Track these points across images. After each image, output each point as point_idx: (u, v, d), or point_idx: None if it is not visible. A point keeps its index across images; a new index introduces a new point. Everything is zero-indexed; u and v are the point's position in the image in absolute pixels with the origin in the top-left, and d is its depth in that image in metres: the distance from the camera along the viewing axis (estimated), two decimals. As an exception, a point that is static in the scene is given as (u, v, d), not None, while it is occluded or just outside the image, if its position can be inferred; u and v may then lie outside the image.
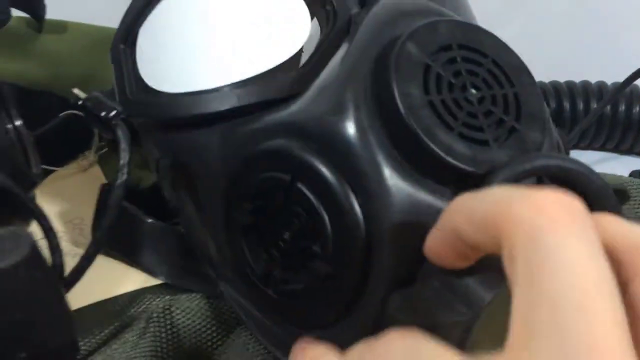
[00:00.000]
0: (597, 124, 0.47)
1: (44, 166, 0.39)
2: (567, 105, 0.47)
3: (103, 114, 0.28)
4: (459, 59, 0.25)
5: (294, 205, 0.25)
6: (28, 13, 0.48)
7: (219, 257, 0.29)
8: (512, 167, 0.23)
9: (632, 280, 0.17)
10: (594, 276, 0.15)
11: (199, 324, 0.31)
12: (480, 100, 0.25)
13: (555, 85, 0.48)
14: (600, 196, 0.23)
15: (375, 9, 0.27)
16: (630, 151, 0.49)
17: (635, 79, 0.44)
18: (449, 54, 0.25)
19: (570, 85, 0.48)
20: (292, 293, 0.26)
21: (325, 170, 0.24)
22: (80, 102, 0.30)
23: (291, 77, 0.26)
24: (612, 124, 0.47)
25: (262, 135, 0.26)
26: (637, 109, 0.47)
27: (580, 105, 0.47)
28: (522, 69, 0.26)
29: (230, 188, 0.27)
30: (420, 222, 0.23)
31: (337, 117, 0.24)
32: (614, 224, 0.17)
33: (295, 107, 0.26)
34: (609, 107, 0.47)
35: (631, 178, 0.42)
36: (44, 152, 0.39)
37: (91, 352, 0.29)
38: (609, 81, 0.48)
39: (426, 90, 0.24)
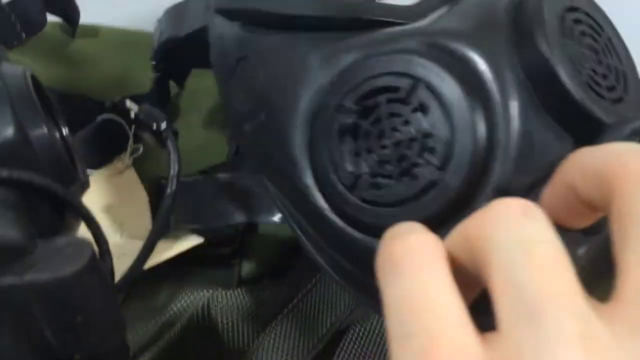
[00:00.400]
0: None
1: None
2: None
3: (155, 126, 0.29)
4: (583, 22, 0.26)
5: (412, 110, 0.25)
6: (62, 18, 0.49)
7: (291, 168, 0.28)
8: (634, 122, 0.23)
9: None
10: None
11: (235, 321, 0.32)
12: (599, 62, 0.26)
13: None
14: None
15: None
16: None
17: None
18: (575, 14, 0.26)
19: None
20: (382, 198, 0.25)
21: (453, 80, 0.25)
22: (133, 114, 0.31)
23: (410, 7, 0.27)
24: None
25: (384, 39, 0.27)
26: None
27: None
28: (629, 56, 0.28)
29: (331, 89, 0.27)
30: (535, 158, 0.24)
31: (475, 36, 0.25)
32: None
33: (420, 24, 0.27)
34: None
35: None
36: (84, 155, 0.41)
37: (139, 351, 0.30)
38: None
39: (563, 34, 0.25)
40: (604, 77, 0.26)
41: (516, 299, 0.15)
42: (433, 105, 0.24)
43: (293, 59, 0.28)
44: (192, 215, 0.33)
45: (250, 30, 0.30)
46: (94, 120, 0.42)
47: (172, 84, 0.47)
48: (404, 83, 0.25)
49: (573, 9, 0.26)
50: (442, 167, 0.24)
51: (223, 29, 0.32)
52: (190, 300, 0.32)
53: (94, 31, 0.51)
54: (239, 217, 0.32)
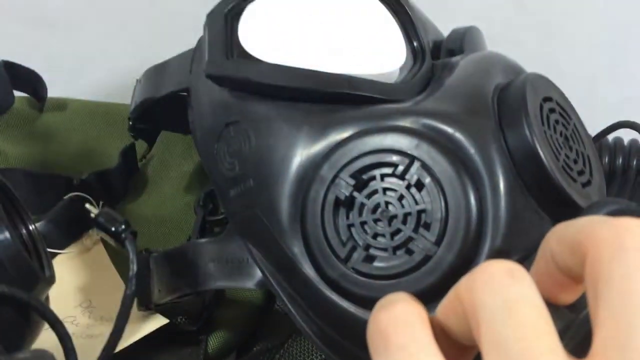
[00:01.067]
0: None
1: (51, 250, 0.41)
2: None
3: (113, 228, 0.30)
4: (557, 111, 0.29)
5: (407, 187, 0.26)
6: (30, 95, 0.50)
7: (280, 236, 0.28)
8: (608, 205, 0.24)
9: None
10: None
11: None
12: (570, 148, 0.28)
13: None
14: None
15: (475, 56, 0.31)
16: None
17: (608, 133, 0.47)
18: (550, 104, 0.28)
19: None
20: (377, 271, 0.26)
21: (446, 160, 0.26)
22: (93, 216, 0.32)
23: (397, 85, 0.29)
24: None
25: (378, 115, 0.28)
26: (606, 160, 0.49)
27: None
28: (590, 139, 0.30)
29: (324, 162, 0.27)
30: (521, 235, 0.26)
31: (464, 120, 0.27)
32: None
33: (410, 104, 0.28)
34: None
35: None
36: (51, 235, 0.42)
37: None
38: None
39: (542, 122, 0.27)
40: (575, 162, 0.28)
41: (501, 357, 0.16)
42: (427, 182, 0.26)
43: (285, 128, 0.29)
44: (174, 285, 0.34)
45: (241, 96, 0.31)
46: (63, 198, 0.43)
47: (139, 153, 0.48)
48: (400, 160, 0.26)
49: (548, 99, 0.29)
50: (437, 243, 0.26)
51: (211, 94, 0.33)
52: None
53: (62, 104, 0.52)
54: (220, 282, 0.32)
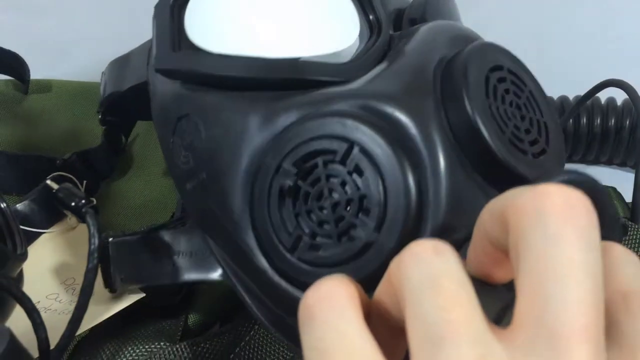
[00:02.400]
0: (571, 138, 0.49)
1: (34, 229, 0.42)
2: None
3: (73, 203, 0.31)
4: (507, 80, 0.28)
5: (348, 173, 0.26)
6: (13, 77, 0.51)
7: (233, 228, 0.28)
8: (556, 177, 0.24)
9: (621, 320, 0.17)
10: (585, 272, 0.16)
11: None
12: (522, 118, 0.27)
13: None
14: (611, 225, 0.24)
15: (425, 27, 0.30)
16: (596, 162, 0.51)
17: (596, 92, 0.46)
18: (499, 73, 0.28)
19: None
20: (322, 260, 0.26)
21: (385, 142, 0.25)
22: (54, 192, 0.32)
23: (345, 65, 0.28)
24: (575, 136, 0.49)
25: (320, 100, 0.27)
26: (598, 121, 0.49)
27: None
28: (550, 106, 0.29)
29: (270, 150, 0.27)
30: (465, 214, 0.25)
31: (405, 99, 0.26)
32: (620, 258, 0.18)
33: (355, 85, 0.28)
34: (571, 121, 0.49)
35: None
36: (34, 215, 0.42)
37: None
38: (575, 93, 0.50)
39: (487, 95, 0.26)
40: (527, 132, 0.27)
41: (422, 329, 0.16)
42: (367, 167, 0.25)
43: (233, 118, 0.29)
44: (137, 274, 0.34)
45: (191, 88, 0.31)
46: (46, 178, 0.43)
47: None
48: (339, 146, 0.26)
49: (497, 68, 0.28)
50: (377, 228, 0.25)
51: (164, 87, 0.32)
52: (130, 358, 0.33)
53: (46, 86, 0.52)
54: (182, 276, 0.32)
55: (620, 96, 0.48)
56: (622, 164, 0.51)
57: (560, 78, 0.54)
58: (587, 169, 0.51)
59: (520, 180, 0.25)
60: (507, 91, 0.27)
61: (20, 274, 0.31)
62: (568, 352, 0.15)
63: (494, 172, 0.26)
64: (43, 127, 0.50)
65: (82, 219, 0.30)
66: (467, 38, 0.30)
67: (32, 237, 0.41)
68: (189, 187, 0.30)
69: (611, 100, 0.50)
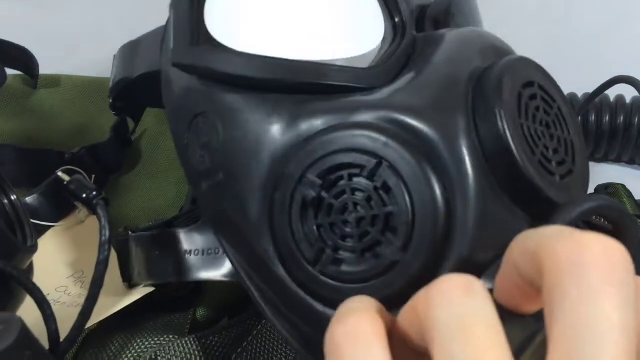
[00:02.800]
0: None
1: (43, 223, 0.42)
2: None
3: (85, 195, 0.31)
4: (538, 97, 0.27)
5: (374, 188, 0.25)
6: (22, 72, 0.51)
7: (250, 233, 0.28)
8: (583, 203, 0.24)
9: None
10: (621, 331, 0.15)
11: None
12: (551, 137, 0.27)
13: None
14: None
15: (453, 35, 0.29)
16: (604, 159, 0.51)
17: (605, 89, 0.46)
18: (531, 90, 0.27)
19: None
20: (345, 275, 0.25)
21: (414, 160, 0.25)
22: (65, 183, 0.32)
23: (369, 70, 0.28)
24: (584, 134, 0.49)
25: (346, 109, 0.27)
26: (607, 118, 0.49)
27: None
28: (575, 120, 0.28)
29: (293, 158, 0.26)
30: (492, 236, 0.25)
31: (434, 114, 0.25)
32: None
33: (381, 95, 0.27)
34: (580, 118, 0.49)
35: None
36: (43, 209, 0.42)
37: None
38: (584, 91, 0.50)
39: (519, 113, 0.26)
40: (555, 151, 0.26)
41: None
42: (395, 184, 0.25)
43: (253, 120, 0.28)
44: (151, 270, 0.34)
45: (209, 85, 0.30)
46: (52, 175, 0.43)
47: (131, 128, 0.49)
48: (368, 161, 0.25)
49: (529, 84, 0.27)
50: (403, 248, 0.25)
51: (180, 81, 0.31)
52: (139, 351, 0.33)
53: (55, 81, 0.52)
54: (194, 274, 0.32)
55: (629, 94, 0.48)
56: (630, 162, 0.51)
57: (570, 75, 0.54)
58: (596, 167, 0.51)
59: (547, 202, 0.25)
60: (537, 109, 0.27)
61: (31, 266, 0.31)
62: None
63: (522, 193, 0.25)
64: (52, 122, 0.50)
65: (93, 210, 0.30)
66: (497, 50, 0.29)
67: (41, 231, 0.41)
68: (204, 186, 0.30)
69: (620, 98, 0.49)
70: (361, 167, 0.25)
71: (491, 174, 0.25)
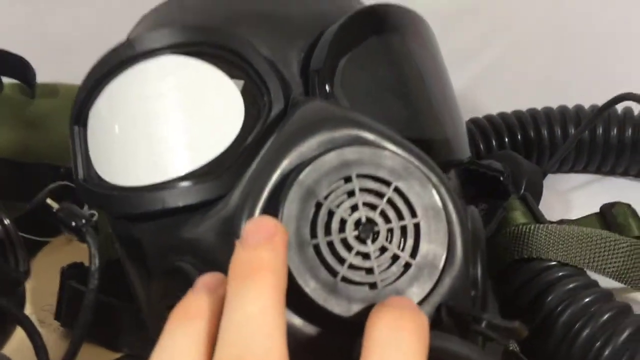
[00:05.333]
0: (577, 148, 0.48)
1: (36, 238, 0.41)
2: (545, 132, 0.48)
3: (74, 223, 0.30)
4: (357, 192, 0.24)
5: None
6: (19, 80, 0.50)
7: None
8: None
9: None
10: None
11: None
12: (375, 235, 0.24)
13: (532, 113, 0.49)
14: None
15: (294, 118, 0.28)
16: (612, 173, 0.50)
17: (613, 104, 0.45)
18: (348, 186, 0.25)
19: (547, 111, 0.49)
20: None
21: None
22: (54, 211, 0.31)
23: (222, 176, 0.28)
24: (591, 147, 0.48)
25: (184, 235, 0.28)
26: (615, 132, 0.48)
27: (558, 132, 0.48)
28: (428, 195, 0.25)
29: (156, 273, 0.28)
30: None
31: (227, 239, 0.25)
32: None
33: (209, 221, 0.27)
34: (587, 132, 0.48)
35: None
36: (36, 224, 0.42)
37: None
38: (592, 102, 0.49)
39: (312, 232, 0.24)
40: (381, 252, 0.25)
41: None
42: None
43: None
44: None
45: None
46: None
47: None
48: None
49: (345, 179, 0.25)
50: None
51: None
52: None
53: (53, 90, 0.52)
54: None
55: (637, 107, 0.47)
56: (638, 175, 0.50)
57: (575, 86, 0.53)
58: (603, 180, 0.50)
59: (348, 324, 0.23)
60: (354, 208, 0.24)
61: (23, 295, 0.31)
62: None
63: (315, 315, 0.24)
64: (48, 133, 0.49)
65: (82, 239, 0.29)
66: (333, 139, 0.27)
67: (31, 251, 0.40)
68: None
69: (628, 111, 0.49)
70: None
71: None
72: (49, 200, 0.34)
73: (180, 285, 0.24)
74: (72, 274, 0.34)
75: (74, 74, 0.53)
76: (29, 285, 0.31)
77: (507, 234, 0.37)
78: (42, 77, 0.51)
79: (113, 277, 0.33)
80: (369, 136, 0.27)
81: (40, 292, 0.38)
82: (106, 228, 0.33)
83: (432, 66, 0.35)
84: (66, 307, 0.33)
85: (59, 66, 0.55)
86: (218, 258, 0.25)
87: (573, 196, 0.49)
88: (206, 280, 0.21)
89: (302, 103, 0.28)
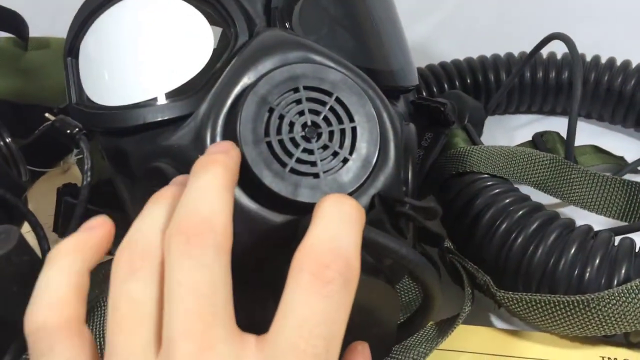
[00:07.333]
0: (519, 91, 0.54)
1: (36, 168, 0.46)
2: (491, 76, 0.53)
3: (69, 131, 0.35)
4: (304, 100, 0.30)
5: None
6: (13, 34, 0.54)
7: None
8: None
9: None
10: None
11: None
12: (318, 135, 0.30)
13: (482, 59, 0.54)
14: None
15: (253, 43, 0.32)
16: (540, 111, 0.56)
17: (541, 47, 0.49)
18: (296, 95, 0.30)
19: (495, 58, 0.54)
20: None
21: None
22: (51, 121, 0.36)
23: (194, 95, 0.33)
24: (520, 90, 0.54)
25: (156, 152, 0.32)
26: (541, 74, 0.53)
27: (503, 76, 0.53)
28: (363, 105, 0.31)
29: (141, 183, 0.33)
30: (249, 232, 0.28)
31: (197, 143, 0.30)
32: None
33: (182, 130, 0.32)
34: (527, 74, 0.53)
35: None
36: (36, 157, 0.46)
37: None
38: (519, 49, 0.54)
39: (266, 132, 0.29)
40: (324, 148, 0.29)
41: None
42: None
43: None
44: None
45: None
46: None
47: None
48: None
49: (294, 90, 0.30)
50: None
51: None
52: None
53: (45, 43, 0.56)
54: None
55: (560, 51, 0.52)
56: (563, 112, 0.56)
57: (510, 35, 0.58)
58: (544, 119, 0.56)
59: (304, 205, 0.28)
60: (300, 113, 0.29)
61: (25, 202, 0.36)
62: None
63: (272, 202, 0.29)
64: (41, 80, 0.53)
65: (76, 144, 0.34)
66: (281, 49, 0.32)
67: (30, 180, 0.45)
68: None
69: (552, 55, 0.54)
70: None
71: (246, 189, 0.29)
72: (47, 114, 0.38)
73: (159, 182, 0.29)
74: (67, 191, 0.39)
75: (65, 29, 0.58)
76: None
77: (449, 155, 0.42)
78: (35, 32, 0.55)
79: (104, 194, 0.38)
80: (317, 57, 0.32)
81: (38, 213, 0.43)
82: (96, 154, 0.38)
83: (381, 5, 0.41)
84: (62, 219, 0.38)
85: (51, 21, 0.60)
86: (189, 158, 0.29)
87: (517, 133, 0.55)
88: (177, 179, 0.27)
89: (263, 31, 0.33)
